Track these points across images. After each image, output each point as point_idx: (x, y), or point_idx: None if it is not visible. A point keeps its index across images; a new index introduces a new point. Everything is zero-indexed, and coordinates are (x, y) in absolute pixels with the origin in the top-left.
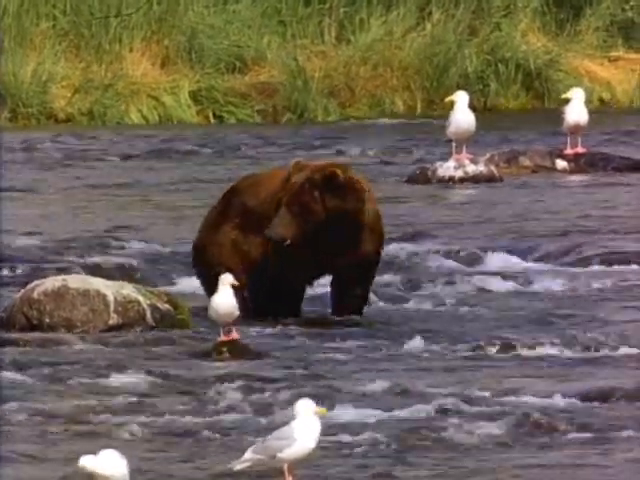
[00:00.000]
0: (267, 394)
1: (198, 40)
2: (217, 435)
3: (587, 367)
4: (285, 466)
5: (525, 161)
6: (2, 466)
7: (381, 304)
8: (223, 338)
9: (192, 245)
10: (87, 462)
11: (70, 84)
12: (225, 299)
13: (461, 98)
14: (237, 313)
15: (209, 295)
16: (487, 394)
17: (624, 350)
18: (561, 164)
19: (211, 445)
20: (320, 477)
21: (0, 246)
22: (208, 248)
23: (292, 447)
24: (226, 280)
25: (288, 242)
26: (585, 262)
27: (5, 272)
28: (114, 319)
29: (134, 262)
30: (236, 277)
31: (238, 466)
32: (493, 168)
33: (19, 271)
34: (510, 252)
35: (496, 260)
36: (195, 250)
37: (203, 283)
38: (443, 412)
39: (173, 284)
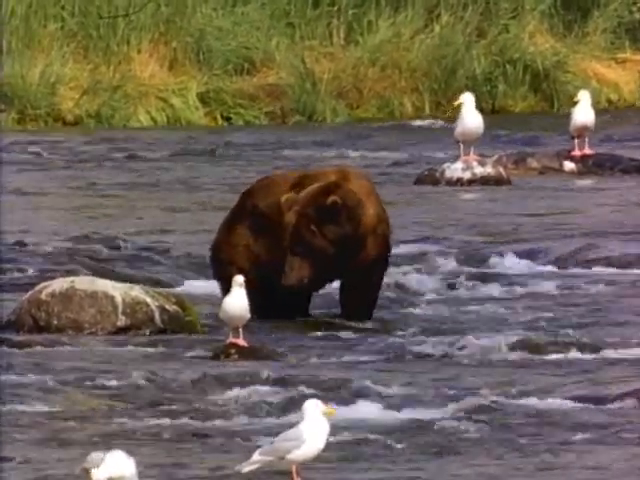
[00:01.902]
0: (275, 395)
1: (206, 42)
2: (225, 437)
3: (588, 367)
4: (294, 467)
5: (533, 163)
6: (4, 468)
7: (389, 305)
8: (232, 340)
9: (210, 245)
10: (97, 475)
11: (78, 85)
12: (237, 301)
13: (468, 100)
14: (248, 316)
15: (224, 296)
16: (491, 395)
17: (626, 351)
18: (569, 166)
19: (219, 447)
20: (327, 478)
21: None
22: (223, 249)
23: (301, 448)
24: (238, 282)
25: (306, 280)
26: (592, 264)
27: (13, 274)
28: (122, 321)
29: (142, 263)
30: (247, 279)
31: (247, 468)
32: (501, 170)
33: (27, 273)
34: (518, 254)
35: (504, 262)
36: (212, 250)
37: (219, 283)
38: (447, 413)
39: (181, 286)
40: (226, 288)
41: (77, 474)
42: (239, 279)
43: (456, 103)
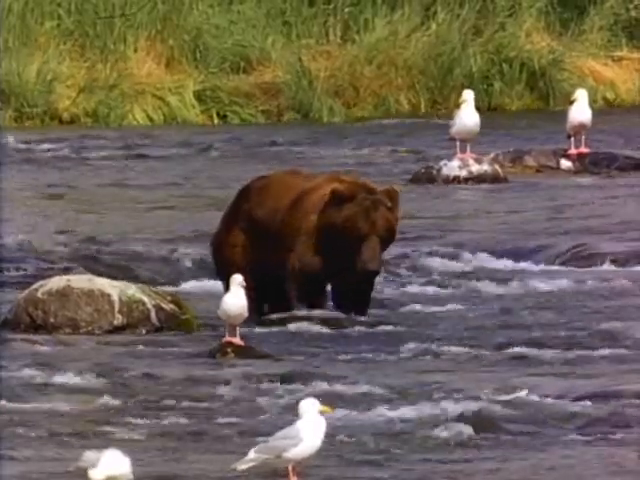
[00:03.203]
0: (271, 394)
1: (203, 40)
2: (221, 435)
3: (586, 366)
4: (290, 466)
5: (529, 161)
6: (3, 466)
7: (384, 304)
8: (228, 338)
9: (210, 242)
10: (94, 474)
11: (75, 84)
12: (236, 300)
13: (469, 97)
14: (246, 315)
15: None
16: (486, 394)
17: (624, 350)
18: (565, 164)
19: (215, 445)
20: (323, 477)
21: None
22: (222, 248)
23: (298, 447)
24: (237, 281)
25: None
26: (589, 262)
27: (9, 272)
28: (119, 319)
29: (138, 262)
30: (245, 279)
31: (242, 466)
32: (498, 168)
33: (23, 271)
34: (514, 252)
35: (500, 260)
36: (212, 247)
37: (220, 280)
38: (444, 412)
39: (178, 284)
40: (228, 287)
41: (72, 472)
42: (238, 278)
43: (460, 100)
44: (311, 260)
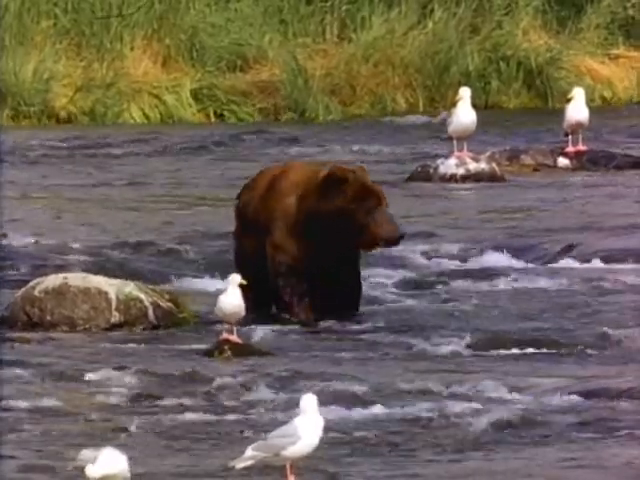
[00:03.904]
0: (268, 392)
1: (199, 38)
2: (218, 432)
3: (584, 365)
4: (288, 464)
5: (527, 159)
6: (2, 464)
7: (380, 302)
8: (225, 336)
9: None
10: (91, 472)
11: (71, 83)
12: (232, 299)
13: (466, 95)
14: (242, 313)
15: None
16: (485, 393)
17: (623, 348)
18: (563, 162)
19: (213, 443)
20: (321, 475)
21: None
22: (234, 243)
23: (296, 445)
24: (234, 280)
25: None
26: (586, 260)
27: (6, 271)
28: (116, 317)
29: (136, 260)
30: (245, 275)
31: (240, 464)
32: (495, 166)
33: (20, 269)
34: (511, 250)
35: (497, 258)
36: None
37: None
38: (442, 411)
39: (175, 282)
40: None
41: (70, 471)
42: (235, 278)
43: (457, 98)
44: (290, 246)
